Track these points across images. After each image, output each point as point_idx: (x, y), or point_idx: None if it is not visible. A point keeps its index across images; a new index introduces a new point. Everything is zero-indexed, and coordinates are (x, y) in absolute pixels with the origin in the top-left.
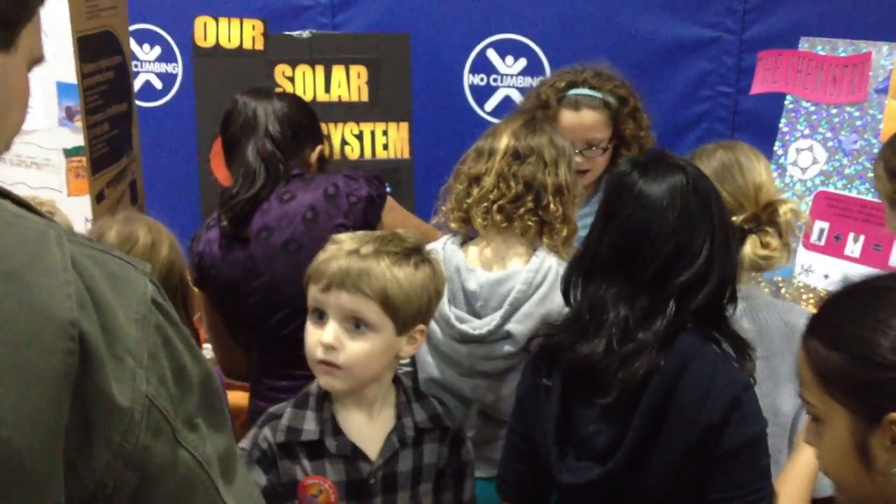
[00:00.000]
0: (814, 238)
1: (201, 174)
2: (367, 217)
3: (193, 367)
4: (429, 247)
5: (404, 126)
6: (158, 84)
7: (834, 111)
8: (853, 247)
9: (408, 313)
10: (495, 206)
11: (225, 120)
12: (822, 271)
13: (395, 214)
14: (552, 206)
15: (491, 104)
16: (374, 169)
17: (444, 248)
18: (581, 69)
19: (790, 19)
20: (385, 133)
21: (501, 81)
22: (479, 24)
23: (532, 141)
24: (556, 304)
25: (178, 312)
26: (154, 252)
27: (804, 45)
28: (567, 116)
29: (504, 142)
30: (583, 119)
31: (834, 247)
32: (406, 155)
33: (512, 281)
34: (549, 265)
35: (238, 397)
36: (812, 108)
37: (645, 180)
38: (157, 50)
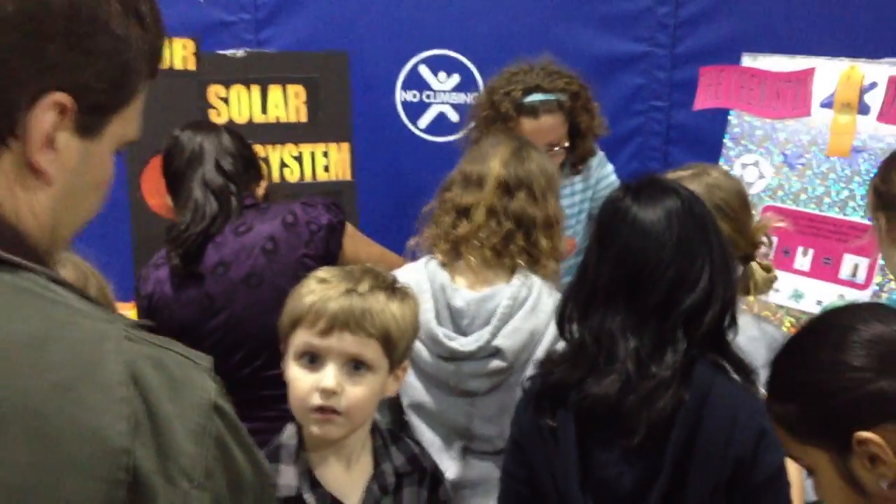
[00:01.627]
0: (763, 252)
1: (132, 201)
2: (328, 245)
3: (251, 475)
4: (408, 266)
5: (345, 146)
6: None
7: (779, 126)
8: (802, 260)
9: (402, 350)
10: (487, 244)
11: (167, 155)
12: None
13: (355, 241)
14: (542, 241)
15: (424, 121)
16: (316, 191)
17: (426, 267)
18: (529, 69)
19: (720, 34)
20: (325, 154)
21: (434, 98)
22: (411, 39)
23: (521, 171)
24: (541, 318)
25: None
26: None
27: (746, 60)
28: (527, 125)
29: (494, 171)
30: (542, 124)
31: (783, 261)
32: (348, 176)
33: (498, 297)
34: (532, 280)
35: None
36: (757, 123)
37: (639, 206)
38: None
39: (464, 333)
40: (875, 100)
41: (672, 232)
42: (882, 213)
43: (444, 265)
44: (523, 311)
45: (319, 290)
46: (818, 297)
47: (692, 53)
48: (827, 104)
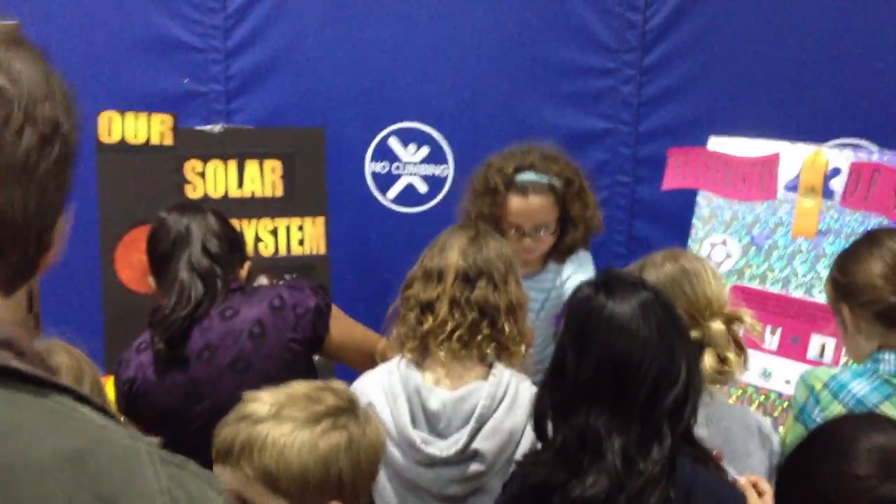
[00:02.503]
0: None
1: (104, 275)
2: (315, 328)
3: None
4: (381, 368)
5: (320, 220)
6: None
7: (746, 208)
8: (771, 340)
9: (307, 494)
10: (454, 336)
11: (153, 236)
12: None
13: (341, 323)
14: (507, 327)
15: (393, 192)
16: (290, 265)
17: (398, 368)
18: (528, 150)
19: (683, 113)
20: (301, 228)
21: (404, 169)
22: (381, 111)
23: (480, 259)
24: (519, 415)
25: None
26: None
27: (713, 142)
28: (515, 202)
29: (452, 263)
30: (530, 204)
31: (751, 340)
32: (322, 250)
33: (475, 396)
34: (507, 377)
35: None
36: (724, 205)
37: (613, 302)
38: None
39: (441, 436)
40: (839, 185)
41: (650, 327)
42: (845, 304)
43: (416, 365)
44: (501, 410)
45: (233, 411)
46: (787, 376)
47: (655, 131)
48: (792, 188)
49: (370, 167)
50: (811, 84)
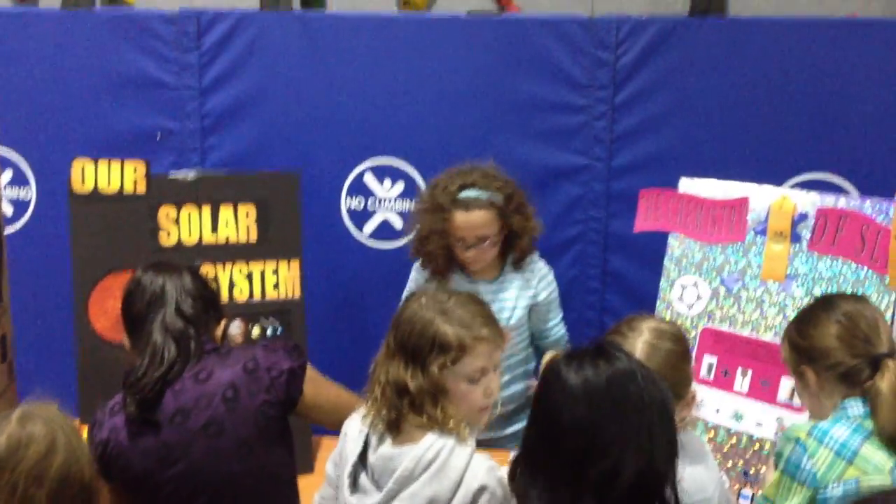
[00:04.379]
0: (703, 373)
1: (77, 325)
2: (289, 391)
3: None
4: (356, 417)
5: (295, 264)
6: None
7: (717, 250)
8: (741, 382)
9: None
10: (380, 412)
11: (128, 295)
12: (713, 406)
13: (316, 384)
14: (429, 410)
15: (369, 227)
16: (265, 310)
17: (361, 419)
18: (470, 170)
19: (654, 148)
20: (275, 272)
21: (379, 205)
22: (357, 147)
23: (400, 335)
24: (444, 485)
25: None
26: (46, 462)
27: (684, 184)
28: (459, 217)
29: (388, 335)
30: (473, 218)
31: (723, 381)
32: (297, 294)
33: (402, 458)
34: (441, 444)
35: None
36: (695, 247)
37: (567, 372)
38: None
39: (378, 487)
40: (806, 229)
41: (590, 400)
42: (808, 367)
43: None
44: (425, 477)
45: None
46: (758, 419)
47: (628, 166)
48: (761, 231)
49: (346, 203)
50: (779, 119)
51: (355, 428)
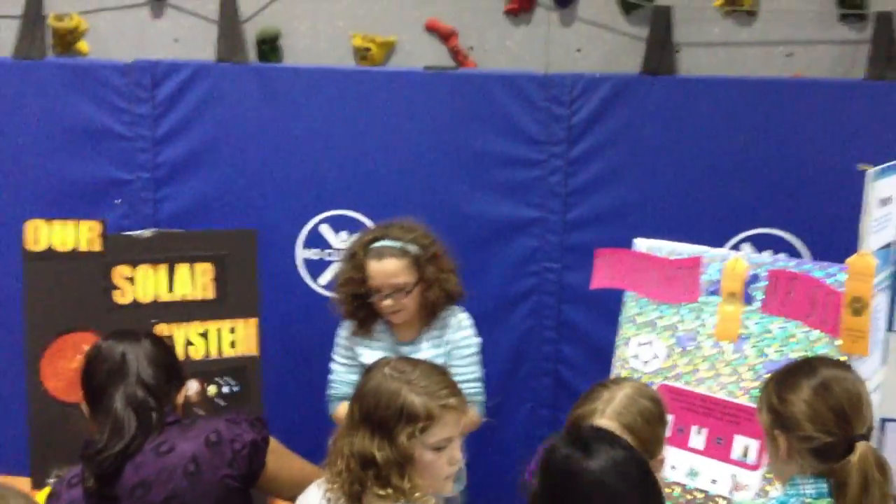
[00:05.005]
0: None
1: (30, 385)
2: (251, 464)
3: None
4: (311, 492)
5: (252, 322)
6: None
7: (671, 309)
8: (697, 439)
9: None
10: (344, 485)
11: (88, 365)
12: (669, 463)
13: (278, 456)
14: (395, 480)
15: (325, 278)
16: (221, 367)
17: (321, 498)
18: (388, 225)
19: (608, 202)
20: (232, 330)
21: (335, 255)
22: (313, 199)
23: (365, 406)
24: None
25: None
26: None
27: (638, 244)
28: (372, 266)
29: (349, 408)
30: (385, 266)
31: (678, 439)
32: (254, 351)
33: None
34: None
35: None
36: (651, 305)
37: (591, 461)
38: None
39: None
40: (758, 291)
41: (627, 485)
42: (782, 434)
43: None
44: None
45: None
46: (712, 476)
47: (583, 219)
48: (714, 291)
49: (302, 254)
50: (729, 175)
51: (314, 502)
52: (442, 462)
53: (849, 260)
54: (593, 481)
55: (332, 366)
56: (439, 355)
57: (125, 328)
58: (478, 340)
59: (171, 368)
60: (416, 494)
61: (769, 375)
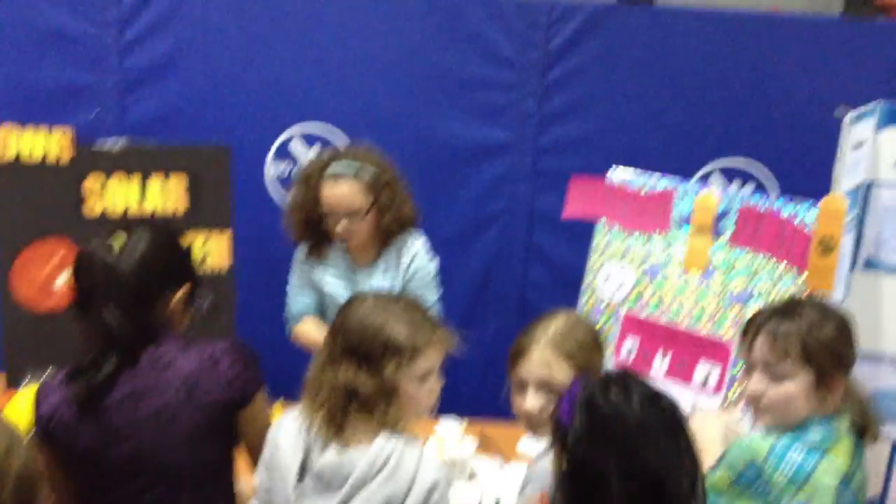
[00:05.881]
0: (623, 355)
1: (2, 293)
2: (242, 395)
3: None
4: (289, 417)
5: (224, 236)
6: None
7: (642, 240)
8: (660, 365)
9: None
10: (326, 416)
11: (77, 269)
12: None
13: (262, 403)
14: (382, 409)
15: None
16: None
17: (302, 418)
18: (345, 148)
19: (581, 129)
20: (205, 243)
21: None
22: (283, 111)
23: (351, 338)
24: (400, 485)
25: None
26: (7, 464)
27: (613, 174)
28: (326, 189)
29: (327, 339)
30: (340, 190)
31: (642, 364)
32: (226, 264)
33: (354, 462)
34: (392, 445)
35: None
36: (621, 235)
37: (643, 412)
38: None
39: (325, 492)
40: (728, 225)
41: (678, 440)
42: (844, 376)
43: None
44: (380, 478)
45: None
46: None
47: (555, 145)
48: (684, 223)
49: (271, 169)
50: (701, 106)
51: (289, 437)
52: (424, 392)
53: (822, 201)
54: (638, 423)
55: (289, 287)
56: (396, 280)
57: (122, 224)
58: (435, 264)
59: (171, 266)
60: (400, 425)
61: (775, 312)
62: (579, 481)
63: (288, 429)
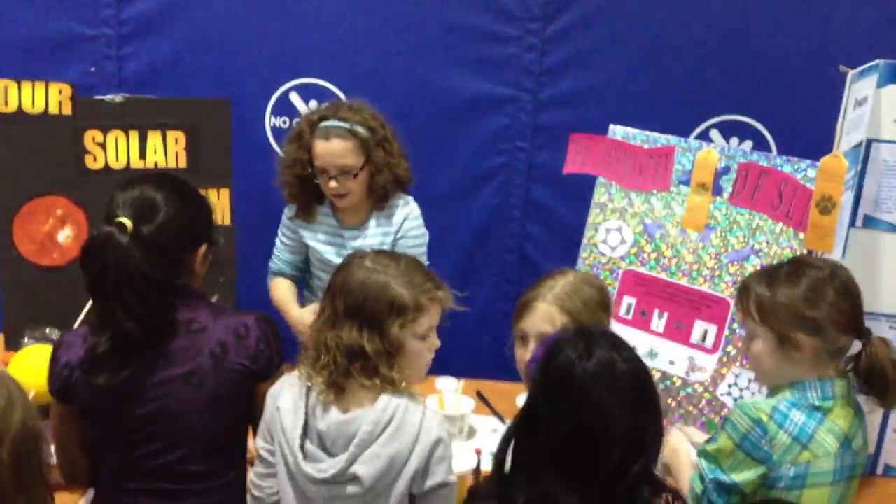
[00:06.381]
0: (622, 312)
1: (2, 249)
2: (269, 367)
3: None
4: (286, 381)
5: (225, 192)
6: None
7: (642, 197)
8: (658, 322)
9: None
10: (329, 376)
11: (83, 258)
12: (630, 343)
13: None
14: (384, 371)
15: None
16: None
17: (300, 381)
18: (338, 105)
19: (581, 84)
20: None
21: None
22: (283, 65)
23: (353, 298)
24: (404, 443)
25: (33, 475)
26: (7, 420)
27: (613, 132)
28: (319, 146)
29: (326, 302)
30: (332, 147)
31: (640, 321)
32: (227, 221)
33: (359, 421)
34: (395, 404)
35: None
36: (621, 193)
37: (591, 365)
38: None
39: (329, 453)
40: (728, 182)
41: (621, 395)
42: (809, 337)
43: (312, 383)
44: (384, 437)
45: None
46: (671, 357)
47: (556, 99)
48: (685, 181)
49: (270, 121)
50: (704, 60)
51: (289, 400)
52: (425, 349)
53: (822, 160)
54: (586, 384)
55: (276, 241)
56: (385, 244)
57: (138, 177)
58: (425, 233)
59: (194, 222)
60: (403, 384)
61: (757, 273)
62: (519, 422)
63: (287, 393)
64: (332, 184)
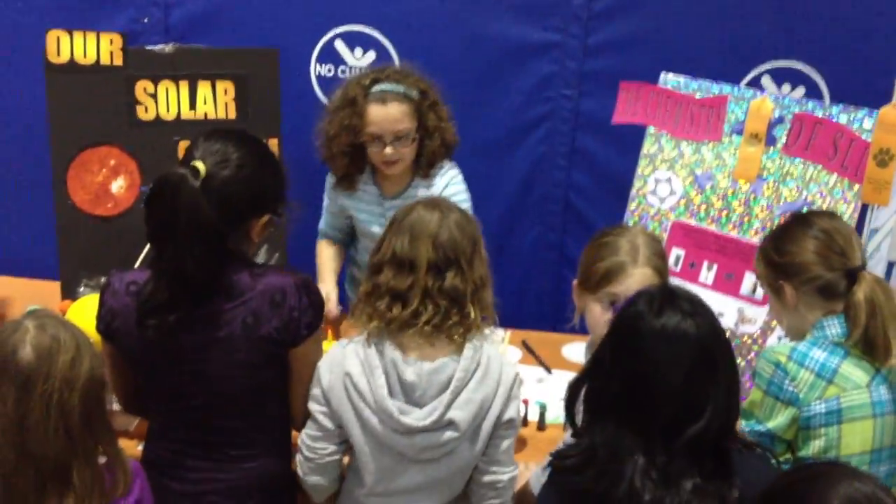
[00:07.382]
0: (671, 264)
1: (57, 198)
2: (297, 336)
3: None
4: (347, 343)
5: (273, 142)
6: None
7: (692, 147)
8: (707, 274)
9: None
10: (427, 325)
11: (151, 198)
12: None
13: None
14: (472, 311)
15: None
16: None
17: (370, 342)
18: (383, 67)
19: (630, 29)
20: None
21: (349, 73)
22: (327, 13)
23: (449, 247)
24: (490, 386)
25: (100, 419)
26: (78, 366)
27: (664, 80)
28: (375, 110)
29: (423, 254)
30: (390, 111)
31: (689, 273)
32: None
33: (449, 369)
34: (480, 349)
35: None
36: (671, 143)
37: (659, 322)
38: None
39: (417, 405)
40: (782, 132)
41: (683, 356)
42: (786, 282)
43: (388, 339)
44: (474, 382)
45: None
46: (719, 309)
47: (603, 45)
48: (737, 131)
49: (315, 69)
50: (754, 6)
51: (357, 364)
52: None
53: (880, 111)
54: (647, 337)
55: (324, 205)
56: None
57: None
58: (469, 196)
59: (260, 195)
60: (479, 323)
61: (766, 236)
62: (591, 365)
63: (352, 358)
64: (388, 150)
